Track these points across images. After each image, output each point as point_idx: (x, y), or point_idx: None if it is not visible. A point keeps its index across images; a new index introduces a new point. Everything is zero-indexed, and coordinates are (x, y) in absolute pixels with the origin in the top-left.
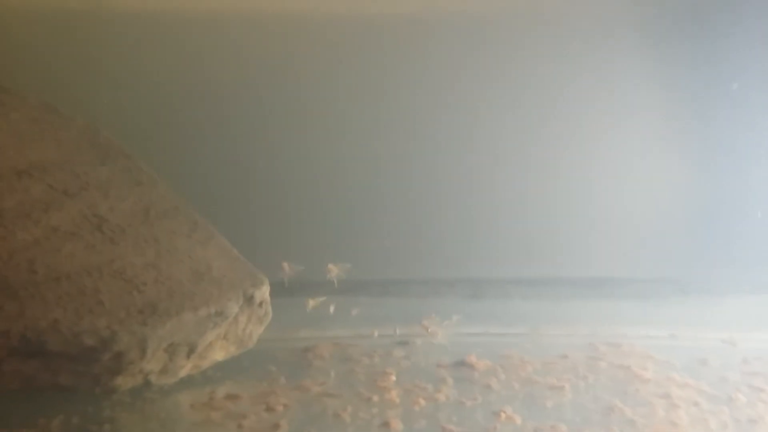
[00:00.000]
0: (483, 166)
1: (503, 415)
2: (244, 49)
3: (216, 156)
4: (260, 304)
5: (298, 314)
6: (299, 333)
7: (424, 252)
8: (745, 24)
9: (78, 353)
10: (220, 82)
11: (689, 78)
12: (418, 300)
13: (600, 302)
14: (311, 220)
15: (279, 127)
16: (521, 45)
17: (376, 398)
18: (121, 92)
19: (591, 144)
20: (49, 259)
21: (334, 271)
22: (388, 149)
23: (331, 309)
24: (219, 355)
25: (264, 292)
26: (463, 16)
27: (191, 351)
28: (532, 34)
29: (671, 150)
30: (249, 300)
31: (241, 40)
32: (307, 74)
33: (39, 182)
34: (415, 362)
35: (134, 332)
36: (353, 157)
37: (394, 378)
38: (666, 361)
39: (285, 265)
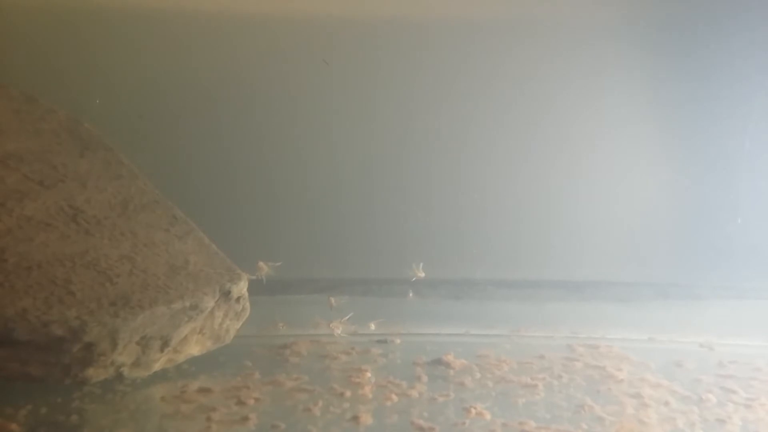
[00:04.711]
0: (468, 169)
1: (473, 411)
2: (232, 48)
3: (202, 154)
4: (238, 300)
5: (277, 311)
6: (278, 330)
7: (407, 252)
8: (733, 34)
9: (47, 343)
10: (209, 81)
11: (675, 86)
12: (400, 300)
13: (581, 305)
14: (295, 218)
15: (265, 127)
16: (511, 50)
17: (348, 393)
18: (108, 86)
19: (576, 149)
20: (20, 248)
21: (264, 269)
22: (375, 149)
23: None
24: (195, 349)
25: (242, 288)
26: (453, 22)
27: (165, 344)
28: (524, 40)
29: (655, 155)
30: (226, 295)
31: (231, 38)
32: (296, 74)
33: (15, 172)
34: (392, 360)
35: (105, 323)
36: (339, 157)
37: (369, 374)
38: (642, 363)
39: (261, 263)
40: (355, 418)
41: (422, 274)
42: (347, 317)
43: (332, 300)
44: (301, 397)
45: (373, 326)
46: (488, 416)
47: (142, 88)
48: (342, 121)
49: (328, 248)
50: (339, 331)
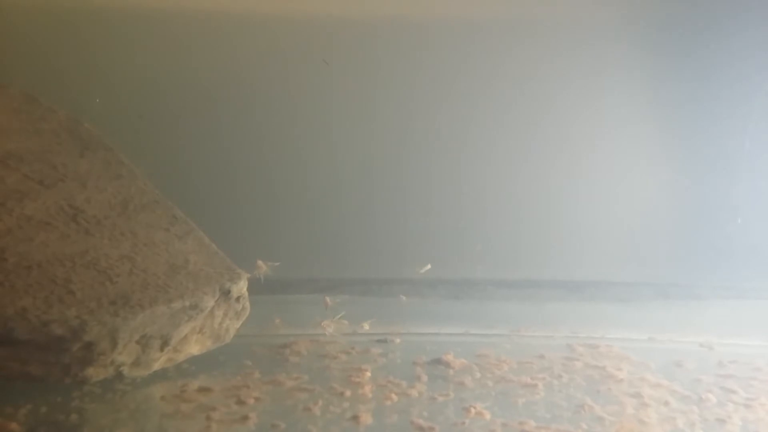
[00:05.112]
0: (469, 169)
1: (473, 411)
2: (232, 48)
3: (202, 154)
4: (237, 299)
5: (277, 311)
6: (278, 329)
7: (407, 252)
8: (733, 34)
9: (47, 342)
10: (209, 81)
11: (675, 86)
12: (400, 299)
13: (581, 305)
14: (295, 218)
15: (265, 127)
16: (511, 50)
17: (348, 393)
18: (108, 86)
19: (576, 149)
20: (21, 248)
21: (262, 267)
22: (375, 149)
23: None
24: (194, 349)
25: (241, 287)
26: (453, 22)
27: (165, 344)
28: (524, 40)
29: (655, 155)
30: (226, 294)
31: (231, 38)
32: (296, 74)
33: (15, 172)
34: (392, 359)
35: (105, 323)
36: (339, 157)
37: (368, 374)
38: (642, 363)
39: (260, 262)
40: (355, 418)
41: (429, 266)
42: (339, 316)
43: (328, 299)
44: (301, 396)
45: (366, 326)
46: (488, 416)
47: (142, 88)
48: (342, 121)
49: (328, 248)
50: (330, 330)
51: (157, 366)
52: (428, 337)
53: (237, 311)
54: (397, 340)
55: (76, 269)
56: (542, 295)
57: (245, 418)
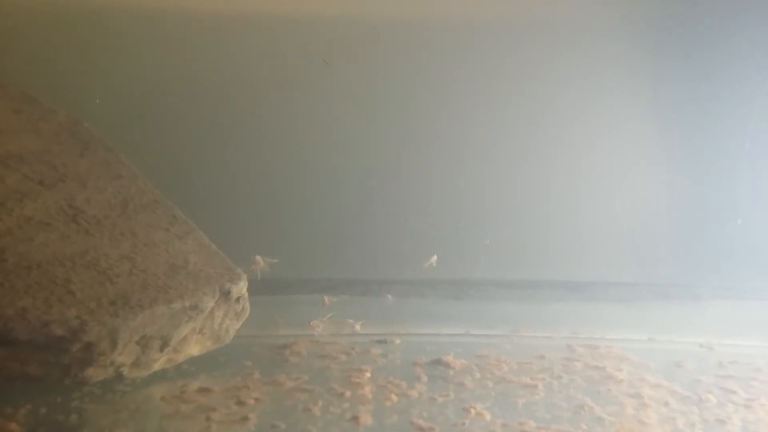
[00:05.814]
0: (469, 170)
1: (473, 411)
2: (232, 48)
3: (202, 154)
4: (237, 300)
5: (277, 311)
6: (278, 330)
7: (407, 252)
8: (733, 34)
9: (47, 342)
10: (209, 81)
11: (675, 86)
12: (400, 300)
13: (581, 305)
14: (295, 218)
15: (265, 127)
16: (511, 50)
17: (348, 393)
18: (108, 86)
19: (576, 149)
20: (20, 248)
21: (260, 263)
22: (375, 149)
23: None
24: (194, 349)
25: (241, 288)
26: (453, 22)
27: (165, 344)
28: (524, 40)
29: (655, 155)
30: (226, 295)
31: (231, 38)
32: (296, 74)
33: (15, 172)
34: (392, 360)
35: (105, 323)
36: (340, 157)
37: (368, 375)
38: (641, 363)
39: (258, 258)
40: (355, 418)
41: (435, 257)
42: (328, 316)
43: (326, 299)
44: (301, 397)
45: (358, 327)
46: (488, 416)
47: (142, 88)
48: (342, 121)
49: (328, 248)
50: (320, 330)
51: (156, 366)
52: (428, 337)
53: (237, 312)
54: (397, 341)
55: (76, 269)
56: (542, 295)
57: (245, 418)
